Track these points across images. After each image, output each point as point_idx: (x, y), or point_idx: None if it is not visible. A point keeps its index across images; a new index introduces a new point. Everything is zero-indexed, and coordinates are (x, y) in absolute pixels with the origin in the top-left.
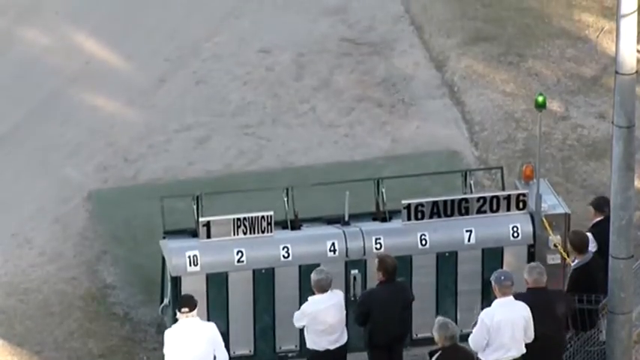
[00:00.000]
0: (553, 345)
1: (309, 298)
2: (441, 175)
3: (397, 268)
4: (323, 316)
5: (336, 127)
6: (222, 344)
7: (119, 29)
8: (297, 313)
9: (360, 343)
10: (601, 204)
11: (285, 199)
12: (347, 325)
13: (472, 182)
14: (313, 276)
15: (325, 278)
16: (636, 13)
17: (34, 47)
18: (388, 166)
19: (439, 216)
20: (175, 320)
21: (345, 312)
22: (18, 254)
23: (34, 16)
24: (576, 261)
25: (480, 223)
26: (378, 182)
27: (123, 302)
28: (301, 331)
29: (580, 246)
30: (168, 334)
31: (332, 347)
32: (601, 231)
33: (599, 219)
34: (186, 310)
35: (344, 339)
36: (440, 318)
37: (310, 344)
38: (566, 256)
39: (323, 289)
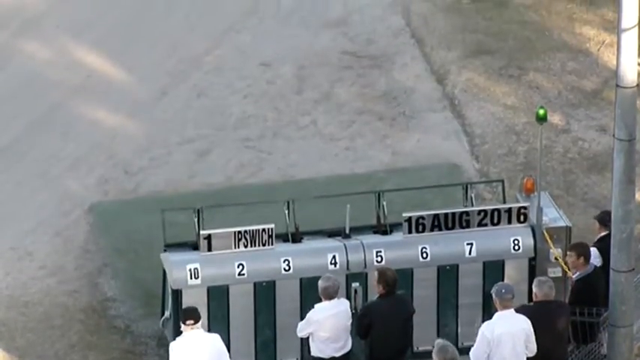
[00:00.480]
0: (554, 358)
1: (316, 306)
2: (442, 187)
3: (397, 280)
4: (329, 323)
5: (337, 140)
6: (228, 355)
7: (120, 42)
8: (301, 323)
9: (362, 355)
10: (605, 218)
11: (286, 212)
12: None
13: (473, 195)
14: (321, 283)
15: (332, 285)
16: (637, 26)
17: (35, 60)
18: (389, 179)
19: (440, 229)
20: (178, 333)
21: (350, 320)
22: (19, 267)
23: (35, 30)
24: (577, 273)
25: (481, 236)
26: (379, 195)
27: (124, 315)
28: (302, 343)
29: (583, 252)
30: (174, 346)
31: (337, 355)
32: (606, 246)
33: (603, 233)
34: (191, 322)
35: (348, 346)
36: (439, 340)
37: (315, 352)
38: (567, 269)
39: (330, 296)
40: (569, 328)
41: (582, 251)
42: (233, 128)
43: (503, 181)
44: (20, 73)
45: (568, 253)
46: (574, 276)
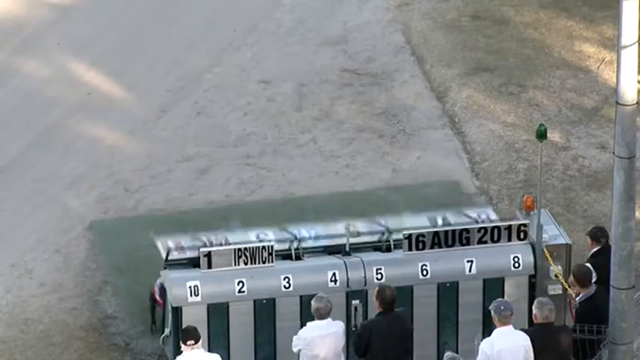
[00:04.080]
0: None
1: (308, 324)
2: (441, 206)
3: (396, 298)
4: (318, 343)
5: (337, 157)
6: None
7: (120, 60)
8: (294, 337)
9: None
10: (597, 234)
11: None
12: (347, 356)
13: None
14: (313, 303)
15: (324, 307)
16: (637, 44)
17: (35, 78)
18: (389, 196)
19: (440, 246)
20: (178, 350)
21: (343, 343)
22: (19, 285)
23: (35, 48)
24: (581, 295)
25: (481, 254)
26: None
27: (124, 333)
28: None
29: (583, 280)
30: None
31: None
32: (599, 261)
33: (596, 249)
34: (192, 342)
35: None
36: (449, 353)
37: None
38: (567, 287)
39: (322, 317)
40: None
41: (584, 276)
42: (233, 146)
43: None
44: (20, 91)
45: (570, 278)
46: (577, 298)
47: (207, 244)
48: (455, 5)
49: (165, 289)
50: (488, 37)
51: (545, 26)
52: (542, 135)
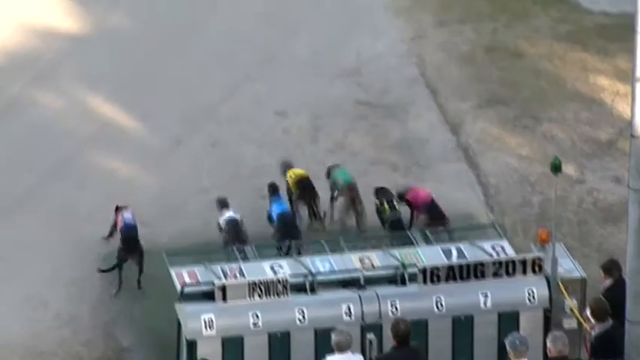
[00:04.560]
0: None
1: (327, 357)
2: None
3: (411, 332)
4: None
5: None
6: None
7: (135, 92)
8: None
9: None
10: (610, 267)
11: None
12: None
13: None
14: (333, 336)
15: (345, 340)
16: None
17: (50, 110)
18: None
19: (455, 279)
20: None
21: None
22: (34, 317)
23: (50, 80)
24: (596, 329)
25: (495, 287)
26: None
27: None
28: None
29: (601, 314)
30: None
31: None
32: (614, 295)
33: (609, 282)
34: None
35: None
36: None
37: None
38: (582, 321)
39: (342, 350)
40: None
41: (601, 310)
42: (248, 178)
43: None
44: (35, 123)
45: (586, 312)
46: (593, 333)
47: (222, 275)
48: (469, 37)
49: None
50: (503, 70)
51: (560, 58)
52: (556, 168)
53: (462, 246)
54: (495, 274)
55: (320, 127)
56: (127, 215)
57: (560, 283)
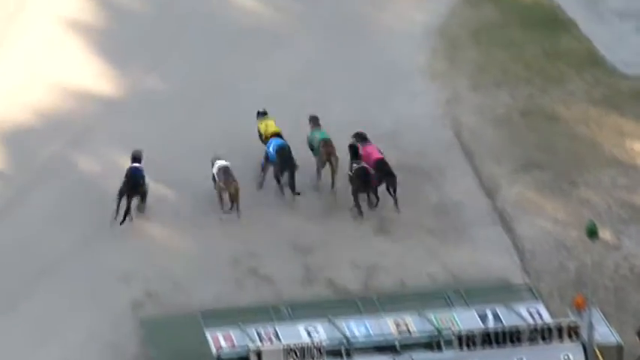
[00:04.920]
0: None
1: None
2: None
3: None
4: None
5: (387, 254)
6: None
7: (170, 155)
8: None
9: None
10: None
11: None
12: None
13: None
14: None
15: None
16: None
17: (87, 172)
18: (439, 292)
19: (491, 345)
20: None
21: None
22: None
23: (85, 142)
24: None
25: (532, 353)
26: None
27: None
28: None
29: None
30: None
31: None
32: None
33: None
34: None
35: None
36: None
37: None
38: None
39: None
40: None
41: None
42: (285, 242)
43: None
44: (71, 185)
45: None
46: None
47: (257, 338)
48: (504, 100)
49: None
50: (538, 133)
51: (596, 123)
52: (592, 233)
53: (497, 309)
54: (531, 340)
55: None
56: (135, 165)
57: (596, 350)
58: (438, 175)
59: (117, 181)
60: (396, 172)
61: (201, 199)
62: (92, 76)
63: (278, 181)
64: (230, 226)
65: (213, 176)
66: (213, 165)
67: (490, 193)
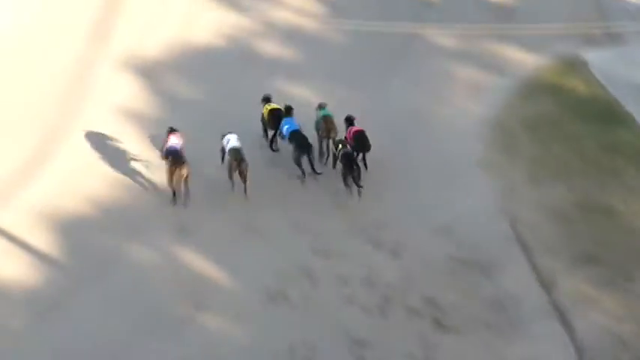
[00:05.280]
0: None
1: None
2: None
3: None
4: None
5: (444, 348)
6: None
7: (226, 244)
8: None
9: None
10: None
11: None
12: None
13: None
14: None
15: None
16: None
17: (143, 264)
18: None
19: None
20: None
21: None
22: None
23: (143, 234)
24: None
25: None
26: None
27: None
28: None
29: None
30: None
31: None
32: None
33: None
34: None
35: None
36: None
37: None
38: None
39: None
40: None
41: None
42: (342, 334)
43: None
44: (127, 277)
45: None
46: None
47: None
48: (561, 194)
49: None
50: (596, 227)
51: None
52: None
53: None
54: None
55: (411, 280)
56: (173, 138)
57: None
58: (494, 269)
59: (171, 274)
60: (451, 264)
61: (259, 286)
62: (144, 166)
63: (299, 165)
64: (285, 316)
65: (223, 149)
66: (223, 138)
67: (547, 287)
